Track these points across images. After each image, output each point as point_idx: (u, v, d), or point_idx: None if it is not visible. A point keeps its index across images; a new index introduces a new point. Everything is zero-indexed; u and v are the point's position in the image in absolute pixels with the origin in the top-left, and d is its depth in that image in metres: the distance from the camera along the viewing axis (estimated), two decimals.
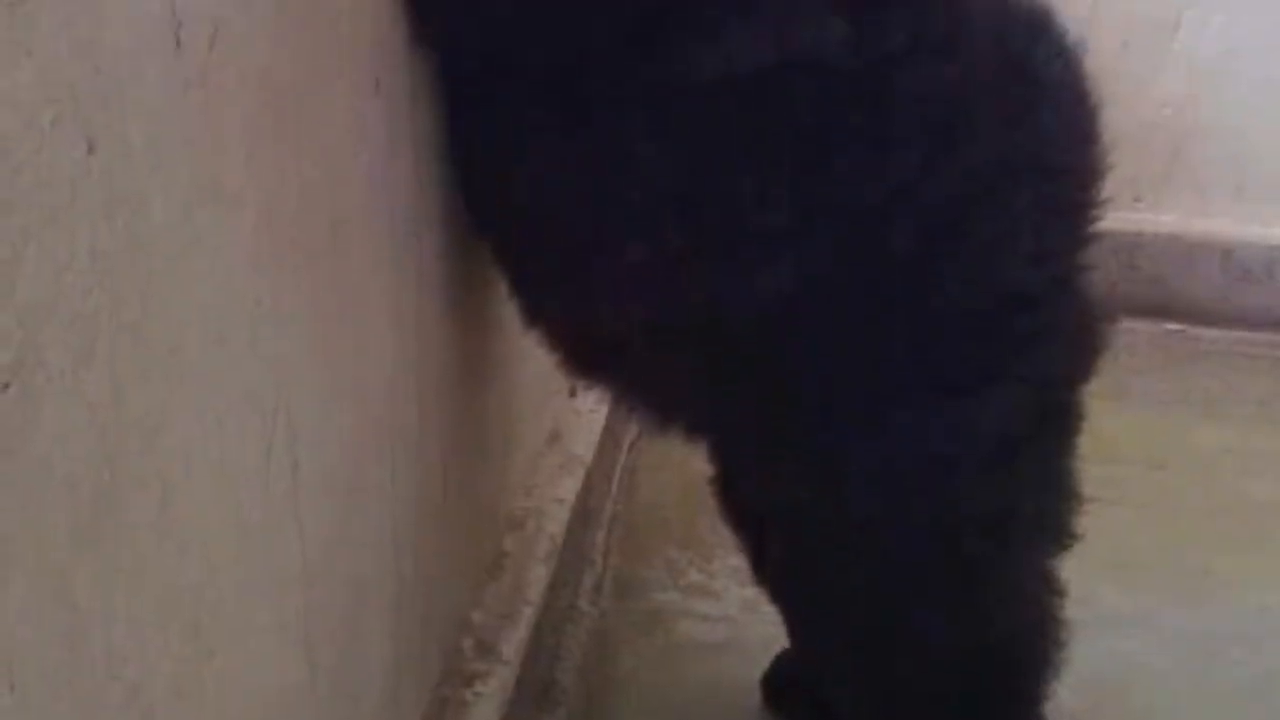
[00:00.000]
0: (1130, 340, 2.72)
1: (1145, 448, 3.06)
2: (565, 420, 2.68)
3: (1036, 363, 1.66)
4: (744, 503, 2.06)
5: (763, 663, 2.30)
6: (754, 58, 1.48)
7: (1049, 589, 1.81)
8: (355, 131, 1.33)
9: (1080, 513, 1.79)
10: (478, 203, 1.68)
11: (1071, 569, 1.81)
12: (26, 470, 0.77)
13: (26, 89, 0.74)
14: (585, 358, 1.81)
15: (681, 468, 2.54)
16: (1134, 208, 3.32)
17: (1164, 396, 3.35)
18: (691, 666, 2.44)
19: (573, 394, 2.70)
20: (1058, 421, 1.76)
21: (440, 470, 1.75)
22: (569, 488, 2.48)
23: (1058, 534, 1.79)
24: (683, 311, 1.59)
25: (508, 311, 1.82)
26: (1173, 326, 3.51)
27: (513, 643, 2.01)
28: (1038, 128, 1.67)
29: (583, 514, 2.54)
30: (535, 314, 1.75)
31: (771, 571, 2.01)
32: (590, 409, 2.71)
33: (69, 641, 0.83)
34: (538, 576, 2.20)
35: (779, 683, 2.28)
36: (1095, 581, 2.19)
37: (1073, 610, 1.83)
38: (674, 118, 1.49)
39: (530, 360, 2.07)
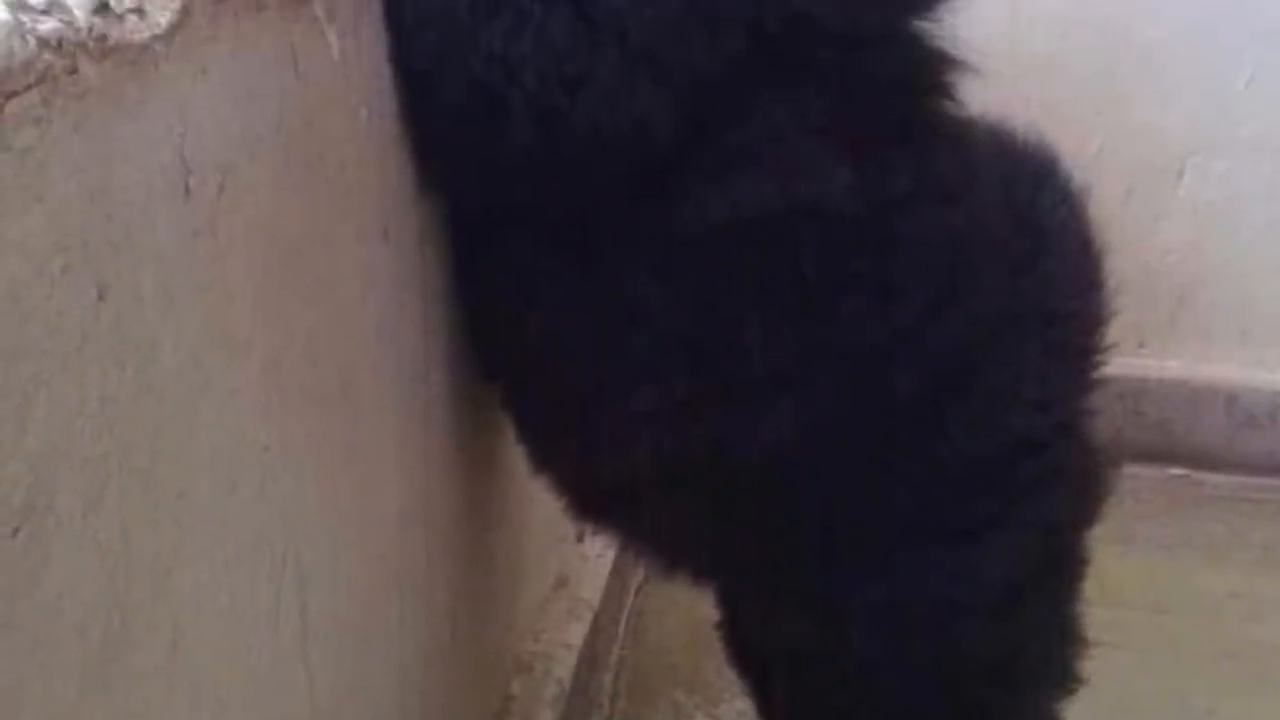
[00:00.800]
0: (1135, 485, 2.72)
1: (1150, 592, 3.05)
2: (573, 565, 2.68)
3: (1041, 507, 1.67)
4: (750, 646, 2.06)
5: None
6: (760, 204, 1.49)
7: None
8: (363, 278, 1.34)
9: (1085, 657, 1.78)
10: (486, 348, 1.69)
11: (1076, 713, 1.80)
12: (36, 614, 0.77)
13: (37, 236, 0.75)
14: (592, 502, 1.81)
15: (689, 611, 2.53)
16: (1138, 353, 3.33)
17: (1168, 541, 3.34)
18: None
19: (580, 538, 2.70)
20: (1062, 566, 1.77)
21: (448, 614, 1.75)
22: (576, 632, 2.48)
23: (1063, 678, 1.79)
24: (688, 455, 1.60)
25: (516, 456, 1.82)
26: (1177, 471, 3.51)
27: None
28: (1042, 274, 1.68)
29: (590, 658, 2.53)
30: (543, 459, 1.76)
31: (777, 715, 2.00)
32: (598, 553, 2.71)
33: None
34: None
35: None
36: None
37: None
38: (680, 263, 1.51)
39: (538, 504, 2.07)
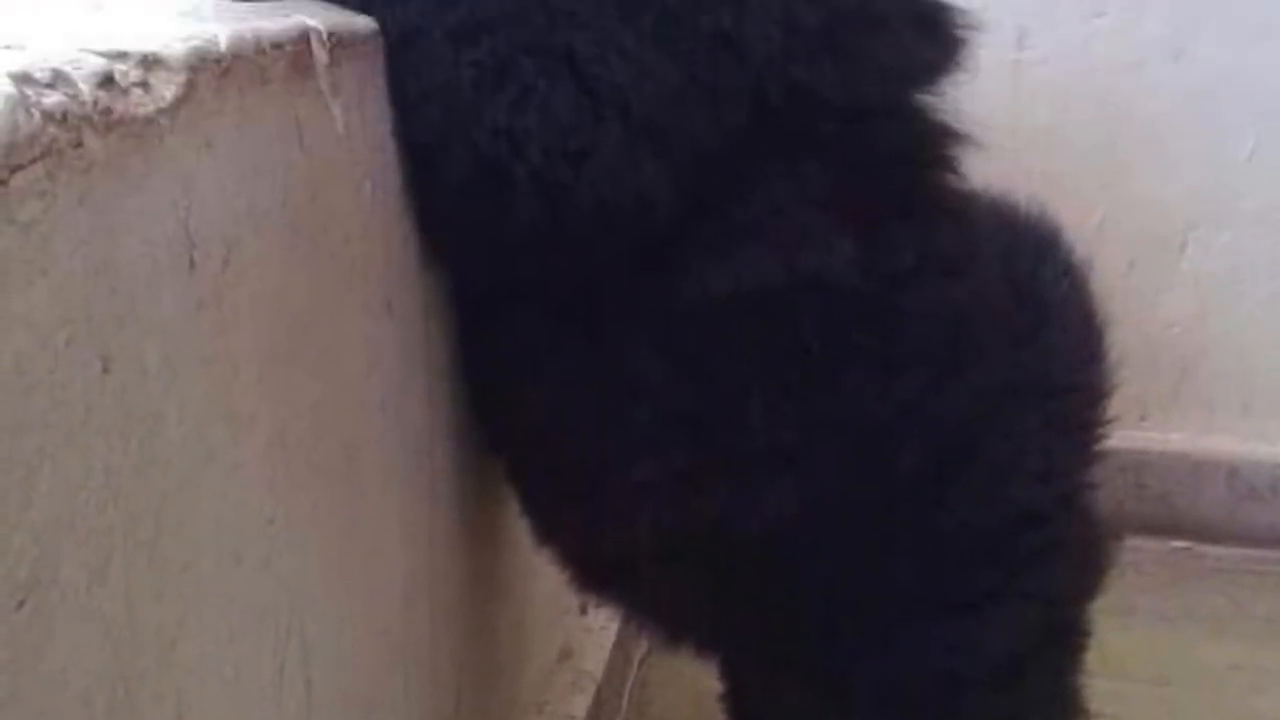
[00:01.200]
0: (1136, 557, 2.72)
1: (1152, 664, 3.03)
2: (576, 637, 2.67)
3: (1042, 579, 1.67)
4: (754, 719, 2.05)
5: None
6: (762, 277, 1.49)
7: None
8: (367, 352, 1.35)
9: None
10: (490, 421, 1.69)
11: None
12: (41, 687, 0.77)
13: (41, 309, 0.76)
14: (595, 575, 1.81)
15: (693, 684, 2.52)
16: (1140, 426, 3.33)
17: (1170, 613, 3.33)
18: None
19: (584, 611, 2.69)
20: (1064, 638, 1.77)
21: (453, 686, 1.75)
22: (580, 704, 2.47)
23: None
24: (689, 529, 1.60)
25: (520, 529, 1.82)
26: (1179, 544, 3.50)
27: None
28: (1044, 347, 1.69)
29: None
30: (547, 531, 1.76)
31: None
32: (601, 625, 2.71)
33: None
34: None
35: None
36: None
37: None
38: (682, 336, 1.51)
39: (542, 577, 2.07)
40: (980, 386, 1.61)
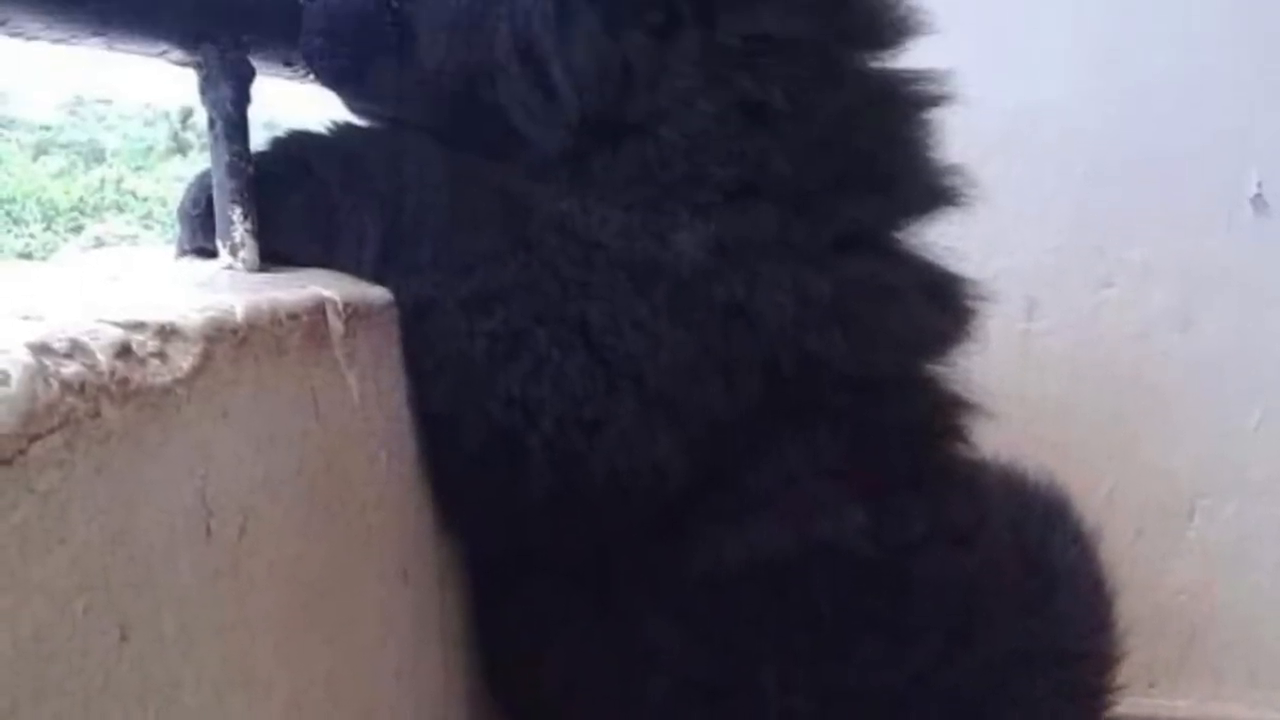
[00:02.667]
0: None
1: None
2: None
3: None
4: None
5: None
6: (775, 546, 1.49)
7: None
8: (383, 620, 1.34)
9: None
10: (504, 688, 1.68)
11: None
12: None
13: (60, 577, 0.76)
14: None
15: None
16: (1149, 693, 3.29)
17: None
18: None
19: None
20: None
21: None
22: None
23: None
24: None
25: None
26: None
27: None
28: (1055, 615, 1.68)
29: None
30: None
31: None
32: None
33: None
34: None
35: None
36: None
37: None
38: (696, 605, 1.51)
39: None
40: (991, 654, 1.60)
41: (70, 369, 0.80)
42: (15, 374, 0.75)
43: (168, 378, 0.90)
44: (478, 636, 1.62)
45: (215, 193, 1.42)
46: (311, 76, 1.64)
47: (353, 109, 1.65)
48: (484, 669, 1.65)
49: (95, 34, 1.28)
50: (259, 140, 1.48)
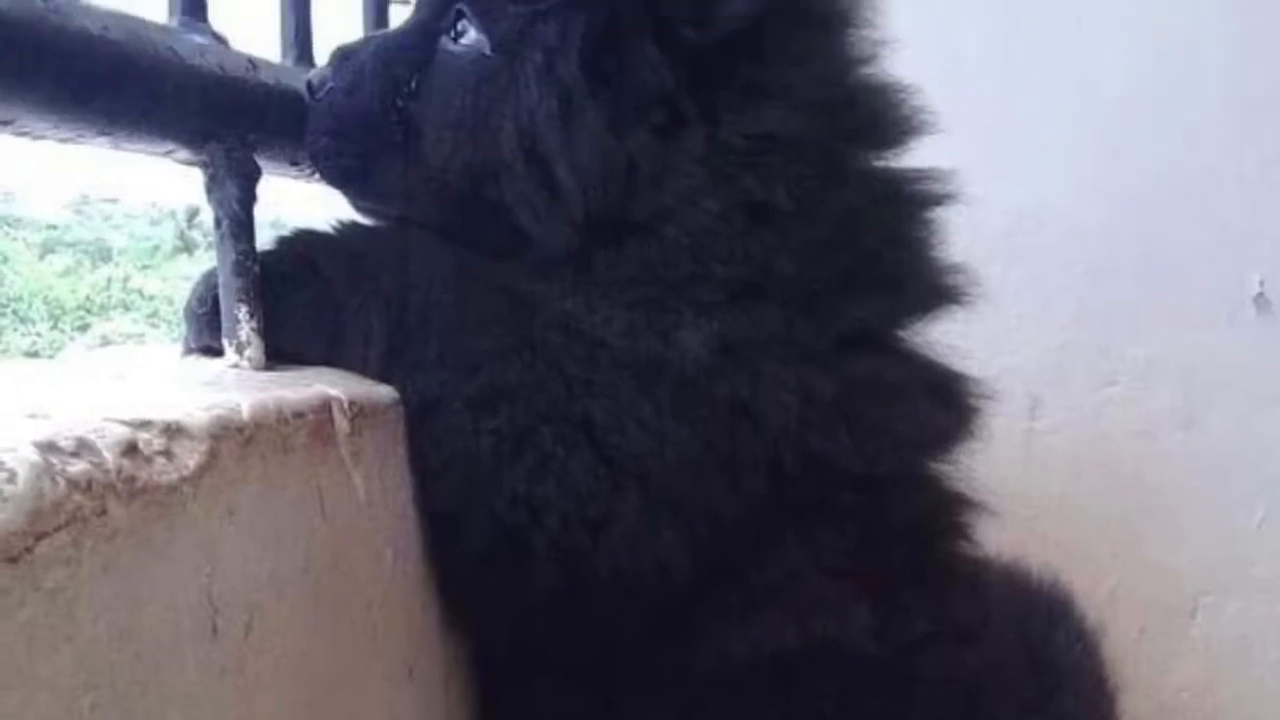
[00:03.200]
0: None
1: None
2: None
3: None
4: None
5: None
6: (780, 643, 1.49)
7: None
8: (389, 718, 1.34)
9: None
10: None
11: None
12: None
13: (66, 674, 0.76)
14: None
15: None
16: None
17: None
18: None
19: None
20: None
21: None
22: None
23: None
24: None
25: None
26: None
27: None
28: (1058, 713, 1.69)
29: None
30: None
31: None
32: None
33: None
34: None
35: None
36: None
37: None
38: (699, 702, 1.50)
39: None
40: None
41: (77, 467, 0.80)
42: (22, 472, 0.75)
43: (174, 476, 0.91)
44: None
45: (221, 291, 1.42)
46: (317, 175, 1.66)
47: (358, 208, 1.66)
48: None
49: (102, 133, 1.30)
50: (265, 239, 1.49)
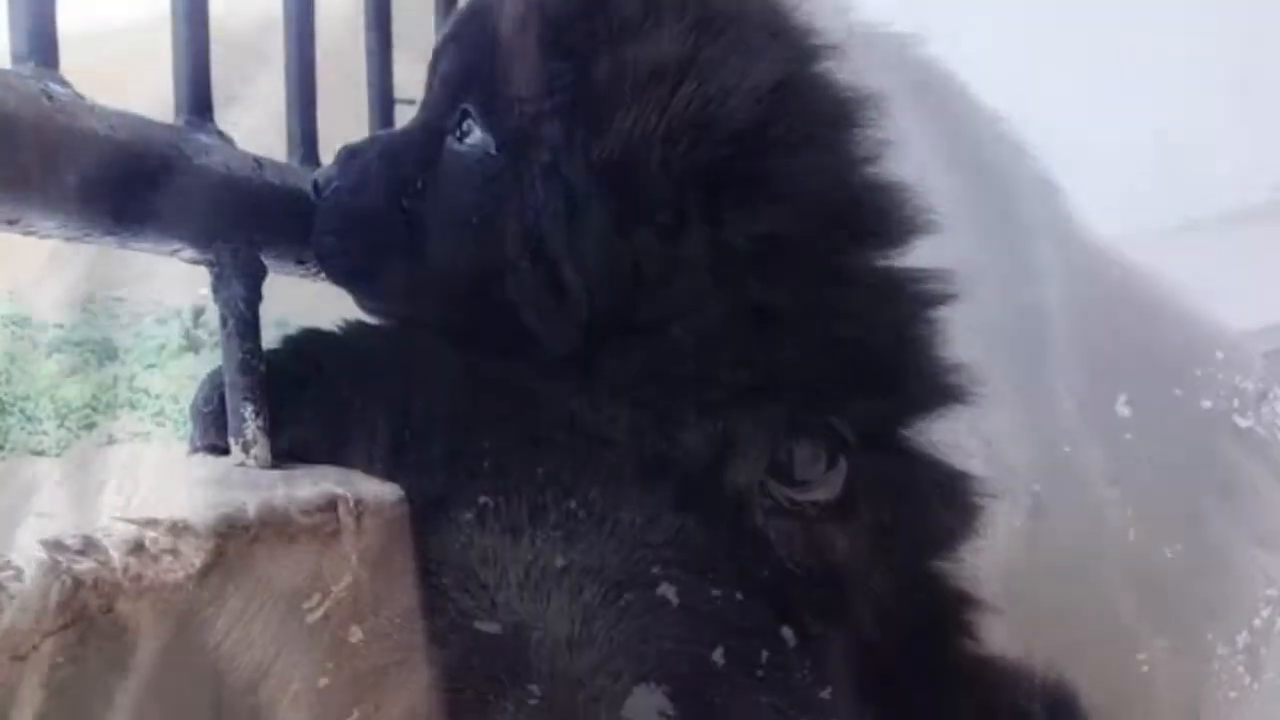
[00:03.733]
0: None
1: None
2: None
3: None
4: None
5: None
6: None
7: None
8: None
9: None
10: None
11: None
12: None
13: None
14: None
15: None
16: None
17: None
18: None
19: None
20: None
21: None
22: None
23: None
24: None
25: None
26: None
27: None
28: None
29: None
30: None
31: None
32: None
33: None
34: None
35: None
36: None
37: None
38: None
39: None
40: None
41: (83, 565, 0.81)
42: (29, 571, 0.76)
43: (180, 574, 0.91)
44: None
45: (227, 390, 1.43)
46: (323, 274, 1.66)
47: (364, 307, 1.66)
48: None
49: (108, 232, 1.30)
50: (271, 338, 1.49)
